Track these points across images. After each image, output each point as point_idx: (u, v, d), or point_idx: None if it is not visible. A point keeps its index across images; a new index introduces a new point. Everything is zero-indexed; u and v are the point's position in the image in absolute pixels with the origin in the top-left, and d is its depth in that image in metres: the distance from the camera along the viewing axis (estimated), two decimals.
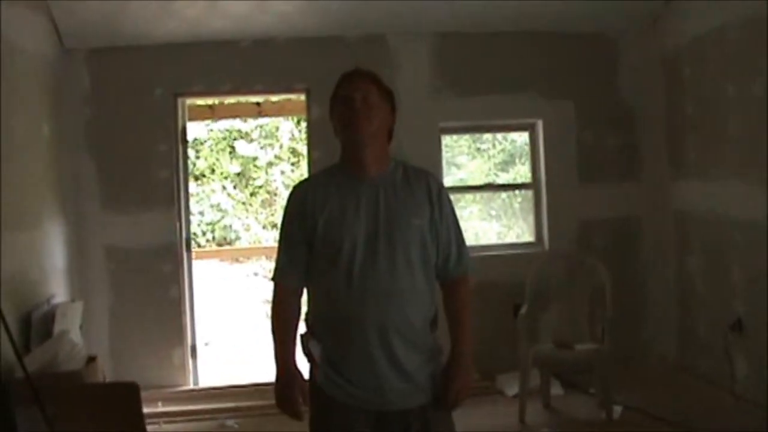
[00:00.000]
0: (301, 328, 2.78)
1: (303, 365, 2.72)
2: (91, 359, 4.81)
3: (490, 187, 7.57)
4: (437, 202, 2.74)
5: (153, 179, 6.03)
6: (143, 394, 5.70)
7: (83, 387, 4.14)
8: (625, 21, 6.26)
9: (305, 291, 2.78)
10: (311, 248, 2.69)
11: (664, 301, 6.34)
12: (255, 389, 5.80)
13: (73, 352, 4.60)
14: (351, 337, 2.63)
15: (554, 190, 6.38)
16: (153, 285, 6.05)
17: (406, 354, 2.65)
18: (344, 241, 2.62)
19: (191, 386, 6.14)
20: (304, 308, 2.81)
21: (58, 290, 5.38)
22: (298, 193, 2.79)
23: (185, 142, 6.29)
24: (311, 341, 2.72)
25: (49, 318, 4.78)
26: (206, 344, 8.34)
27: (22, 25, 4.91)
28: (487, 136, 8.31)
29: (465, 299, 2.83)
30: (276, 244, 2.85)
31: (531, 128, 6.51)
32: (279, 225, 2.86)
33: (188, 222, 6.33)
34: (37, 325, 4.68)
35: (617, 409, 5.23)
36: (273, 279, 2.79)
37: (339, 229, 2.64)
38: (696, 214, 5.91)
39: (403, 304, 2.63)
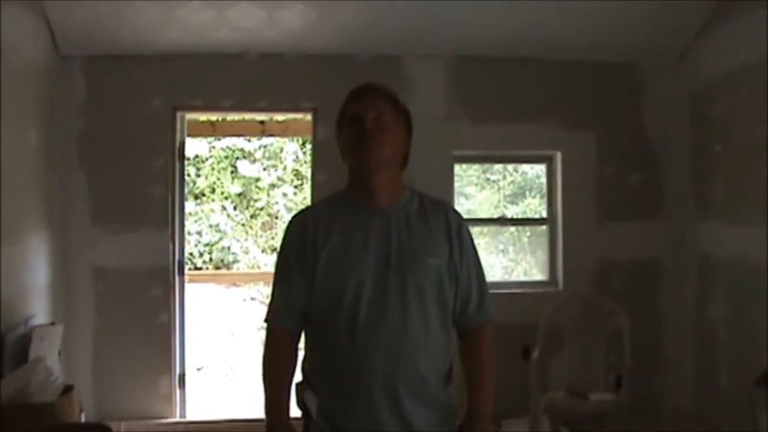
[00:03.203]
0: (297, 376, 2.45)
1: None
2: (68, 389, 4.44)
3: (503, 221, 7.31)
4: (457, 239, 2.41)
5: (147, 197, 5.68)
6: (125, 424, 5.49)
7: (51, 427, 3.78)
8: (655, 53, 5.92)
9: (303, 335, 2.44)
10: (311, 287, 2.35)
11: (684, 350, 5.95)
12: (243, 426, 5.47)
13: (47, 382, 4.23)
14: (353, 390, 2.29)
15: (571, 227, 6.00)
16: (142, 309, 5.68)
17: (416, 411, 2.32)
18: (349, 280, 2.29)
19: (177, 419, 5.79)
20: (300, 355, 2.47)
21: (39, 310, 5.01)
22: (297, 223, 2.45)
23: (183, 158, 5.93)
24: (307, 392, 2.41)
25: (26, 341, 4.44)
26: (198, 369, 8.17)
27: (15, 27, 4.59)
28: (498, 166, 8.05)
29: (485, 352, 2.50)
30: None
31: (549, 160, 6.16)
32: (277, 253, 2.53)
33: (182, 244, 5.95)
34: (11, 349, 4.33)
35: None
36: (266, 321, 2.44)
37: (343, 267, 2.31)
38: (721, 259, 5.56)
39: (414, 355, 2.29)
